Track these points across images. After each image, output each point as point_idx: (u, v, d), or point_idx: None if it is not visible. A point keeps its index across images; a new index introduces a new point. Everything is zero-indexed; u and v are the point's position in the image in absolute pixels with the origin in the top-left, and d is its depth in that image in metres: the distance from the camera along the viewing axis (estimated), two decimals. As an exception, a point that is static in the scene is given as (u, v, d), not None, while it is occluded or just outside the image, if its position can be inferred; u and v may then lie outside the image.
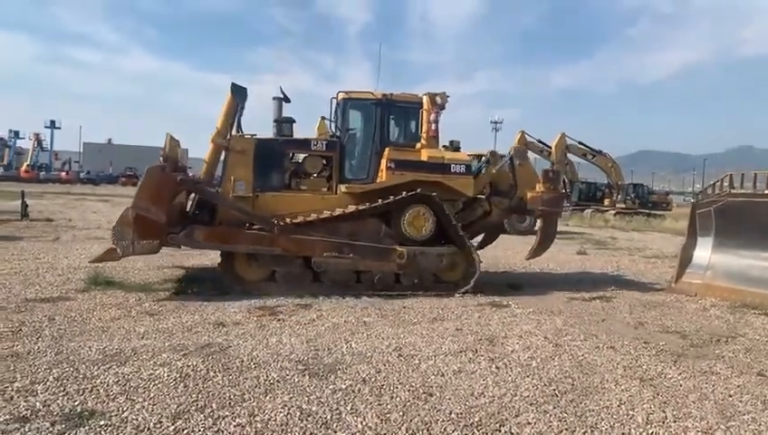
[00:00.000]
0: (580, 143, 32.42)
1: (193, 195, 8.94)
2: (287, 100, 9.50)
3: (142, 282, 8.81)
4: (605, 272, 12.37)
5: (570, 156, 32.81)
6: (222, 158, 8.99)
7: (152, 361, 5.14)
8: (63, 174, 65.46)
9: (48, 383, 4.47)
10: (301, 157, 9.49)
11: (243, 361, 5.26)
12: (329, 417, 4.10)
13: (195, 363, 5.10)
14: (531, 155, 32.19)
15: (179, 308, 7.21)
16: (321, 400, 4.42)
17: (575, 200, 34.28)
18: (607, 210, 32.64)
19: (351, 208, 8.66)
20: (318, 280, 8.62)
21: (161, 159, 8.47)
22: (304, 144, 9.33)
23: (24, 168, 64.14)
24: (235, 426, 3.88)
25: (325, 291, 8.40)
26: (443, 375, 5.12)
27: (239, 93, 8.91)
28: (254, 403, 4.29)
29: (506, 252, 14.93)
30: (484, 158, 10.61)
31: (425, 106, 9.14)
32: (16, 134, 74.17)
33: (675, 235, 21.90)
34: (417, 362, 5.48)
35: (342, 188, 9.03)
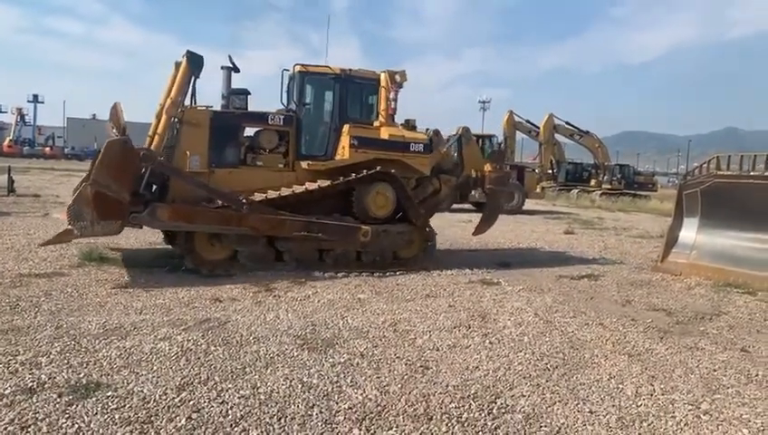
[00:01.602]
0: (567, 123, 32.72)
1: (143, 170, 8.12)
2: (236, 70, 9.15)
3: (136, 258, 8.82)
4: (592, 251, 12.56)
5: (557, 136, 33.10)
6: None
7: (153, 335, 5.21)
8: (48, 149, 64.52)
9: (51, 356, 4.54)
10: (253, 131, 9.16)
11: (242, 335, 5.35)
12: (330, 389, 4.22)
13: (195, 338, 5.18)
14: (518, 134, 32.49)
15: (175, 284, 7.27)
16: (321, 373, 4.53)
17: (562, 180, 34.63)
18: (593, 190, 33.01)
19: (324, 184, 8.56)
20: (280, 259, 8.53)
21: (114, 131, 7.77)
22: (261, 118, 8.99)
23: (6, 142, 63.07)
24: (239, 397, 3.98)
25: (289, 270, 8.32)
26: (438, 350, 5.26)
27: (195, 63, 8.46)
28: (256, 376, 4.39)
29: (494, 231, 15.09)
30: (431, 134, 10.68)
31: (383, 84, 9.12)
32: (-2, 108, 72.78)
33: (660, 215, 22.23)
34: (413, 337, 5.61)
35: (304, 164, 8.91)
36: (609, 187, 33.43)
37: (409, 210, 9.19)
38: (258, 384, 4.23)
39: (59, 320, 5.50)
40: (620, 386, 4.58)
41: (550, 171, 34.07)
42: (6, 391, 3.86)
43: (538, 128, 31.86)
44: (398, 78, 9.10)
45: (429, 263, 9.28)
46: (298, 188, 8.58)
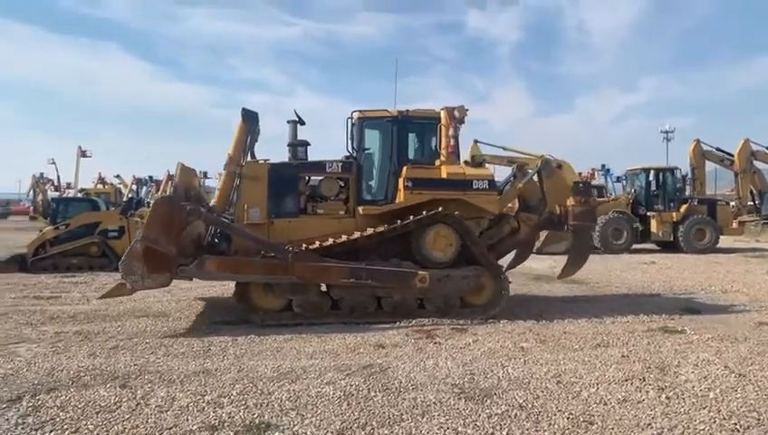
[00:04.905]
0: (768, 148, 28.98)
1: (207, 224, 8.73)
2: (302, 122, 9.36)
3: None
4: (805, 294, 10.83)
5: (757, 163, 29.42)
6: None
7: (319, 379, 5.54)
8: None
9: (232, 397, 5.04)
10: (316, 180, 9.22)
11: (401, 382, 5.47)
12: (484, 441, 4.13)
13: (357, 383, 5.40)
14: (709, 164, 29.49)
15: (343, 330, 7.65)
16: (477, 423, 4.45)
17: (767, 213, 30.50)
18: (809, 223, 28.52)
19: (369, 232, 8.35)
20: (337, 307, 8.33)
21: (171, 188, 8.34)
22: (319, 167, 9.06)
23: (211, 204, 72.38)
24: (393, 444, 4.07)
25: (343, 319, 8.16)
26: (605, 404, 4.89)
27: (250, 119, 8.88)
28: (412, 424, 4.45)
29: (681, 272, 13.77)
30: (514, 170, 9.94)
31: (443, 121, 8.82)
32: (205, 175, 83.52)
33: None
34: (578, 389, 5.28)
35: (360, 210, 8.78)
36: (833, 217, 28.64)
37: (476, 253, 8.60)
38: (413, 432, 4.29)
39: (241, 363, 6.09)
40: (833, 456, 3.87)
41: (750, 203, 30.23)
42: (194, 427, 4.37)
43: (731, 156, 28.60)
44: (456, 114, 8.80)
45: (497, 312, 8.48)
46: (345, 236, 8.42)
